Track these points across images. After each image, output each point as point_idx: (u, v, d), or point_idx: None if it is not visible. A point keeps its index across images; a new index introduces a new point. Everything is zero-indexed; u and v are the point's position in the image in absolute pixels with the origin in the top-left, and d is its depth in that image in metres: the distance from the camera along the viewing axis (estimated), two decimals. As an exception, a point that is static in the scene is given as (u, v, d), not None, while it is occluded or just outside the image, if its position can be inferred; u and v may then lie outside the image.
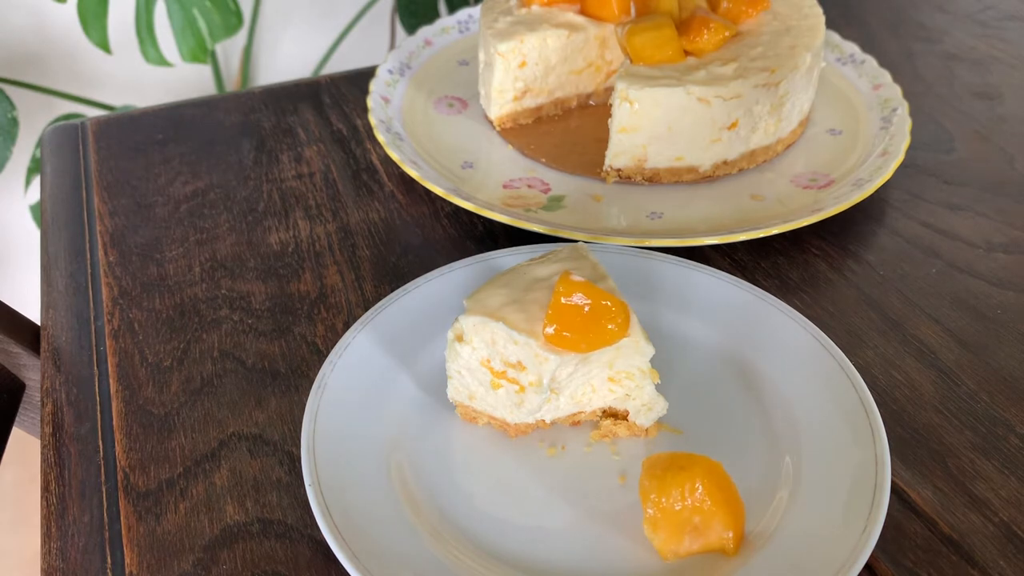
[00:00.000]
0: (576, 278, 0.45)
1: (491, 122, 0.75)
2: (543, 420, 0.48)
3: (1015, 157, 0.72)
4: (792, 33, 0.69)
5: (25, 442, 0.72)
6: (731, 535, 0.41)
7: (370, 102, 0.73)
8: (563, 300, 0.44)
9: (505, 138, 0.73)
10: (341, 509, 0.42)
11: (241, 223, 0.66)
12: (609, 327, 0.44)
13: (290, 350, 0.55)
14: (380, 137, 0.69)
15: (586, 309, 0.44)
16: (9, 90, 1.30)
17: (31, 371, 0.64)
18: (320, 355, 0.54)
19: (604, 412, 0.49)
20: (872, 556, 0.43)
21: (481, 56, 0.74)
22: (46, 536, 0.45)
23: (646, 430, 0.48)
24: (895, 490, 0.46)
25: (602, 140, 0.68)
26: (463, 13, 0.86)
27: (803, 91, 0.69)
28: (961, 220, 0.65)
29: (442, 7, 1.50)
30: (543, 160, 0.70)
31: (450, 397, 0.49)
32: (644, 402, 0.47)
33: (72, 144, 0.75)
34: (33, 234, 1.51)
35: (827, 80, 0.77)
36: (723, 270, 0.56)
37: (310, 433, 0.45)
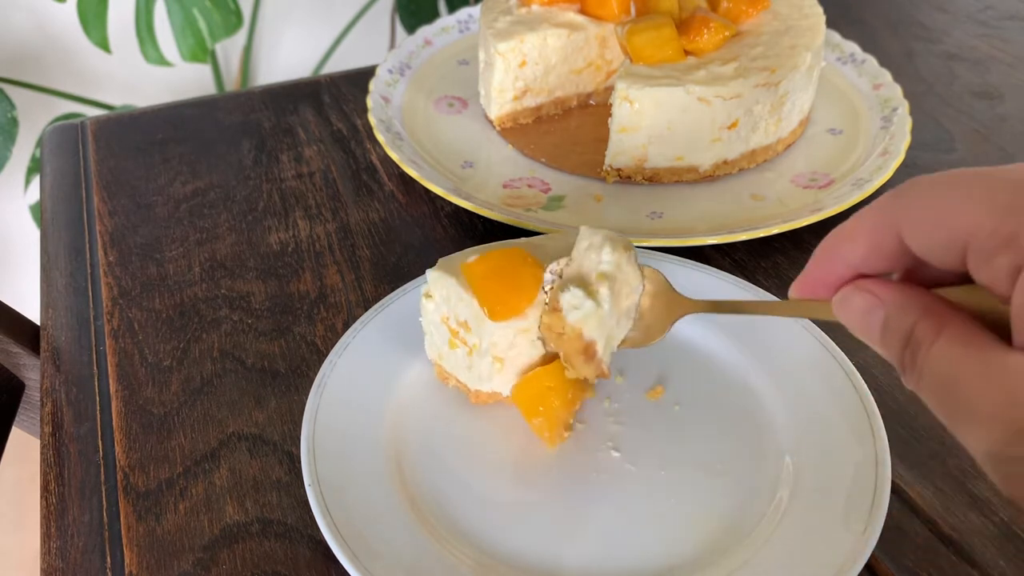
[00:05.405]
0: (471, 259, 0.45)
1: (491, 122, 0.75)
2: (499, 392, 0.48)
3: (1015, 157, 0.72)
4: (792, 33, 0.69)
5: (25, 442, 0.72)
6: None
7: (370, 102, 0.73)
8: (478, 283, 0.45)
9: (505, 138, 0.73)
10: (341, 509, 0.42)
11: (241, 223, 0.66)
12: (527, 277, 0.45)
13: (290, 350, 0.55)
14: (380, 137, 0.69)
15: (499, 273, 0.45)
16: (9, 90, 1.30)
17: (31, 371, 0.64)
18: (320, 355, 0.54)
19: None
20: (872, 556, 0.43)
21: (481, 56, 0.74)
22: (46, 536, 0.45)
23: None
24: (895, 490, 0.46)
25: (602, 140, 0.68)
26: (463, 13, 0.86)
27: (803, 91, 0.69)
28: (961, 220, 0.65)
29: (442, 7, 1.50)
30: (543, 160, 0.70)
31: (428, 355, 0.49)
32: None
33: (72, 144, 0.75)
34: (33, 234, 1.51)
35: (827, 80, 0.77)
36: (723, 270, 0.56)
37: (310, 433, 0.45)
